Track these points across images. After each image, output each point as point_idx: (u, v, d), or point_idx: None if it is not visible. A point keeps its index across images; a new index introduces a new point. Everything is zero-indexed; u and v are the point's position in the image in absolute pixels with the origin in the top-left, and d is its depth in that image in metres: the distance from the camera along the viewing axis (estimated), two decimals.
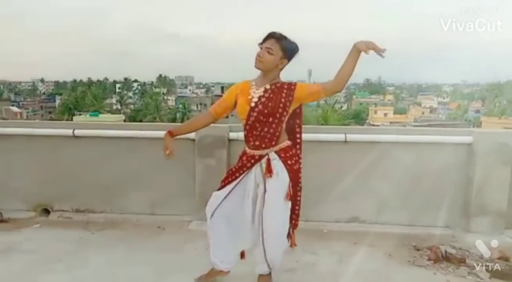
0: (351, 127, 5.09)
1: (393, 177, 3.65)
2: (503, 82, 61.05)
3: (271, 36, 2.22)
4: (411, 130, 4.20)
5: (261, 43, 2.24)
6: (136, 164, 3.89)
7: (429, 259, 3.07)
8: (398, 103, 69.86)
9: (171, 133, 2.48)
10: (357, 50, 2.13)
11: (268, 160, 2.28)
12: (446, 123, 41.90)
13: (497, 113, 47.51)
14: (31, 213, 3.96)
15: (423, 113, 58.55)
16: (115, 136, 3.88)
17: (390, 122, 45.28)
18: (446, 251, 3.15)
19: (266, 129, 2.25)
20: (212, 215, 2.47)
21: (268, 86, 2.27)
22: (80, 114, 44.89)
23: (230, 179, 2.40)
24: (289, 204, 2.34)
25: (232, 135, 3.67)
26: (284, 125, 2.31)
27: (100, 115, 43.70)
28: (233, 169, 2.41)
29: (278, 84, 2.27)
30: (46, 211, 4.00)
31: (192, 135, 3.69)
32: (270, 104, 2.23)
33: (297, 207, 2.43)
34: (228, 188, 2.41)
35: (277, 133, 2.27)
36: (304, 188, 2.47)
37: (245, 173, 2.34)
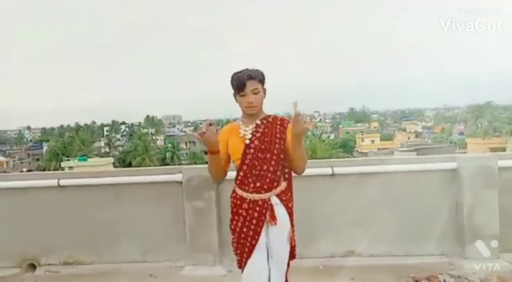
0: (337, 160, 5.13)
1: (384, 207, 3.64)
2: (481, 104, 62.94)
3: (246, 78, 2.05)
4: (396, 160, 4.26)
5: (239, 93, 2.07)
6: (124, 211, 3.82)
7: None
8: (384, 129, 71.08)
9: (216, 151, 2.09)
10: (298, 136, 1.97)
11: (271, 205, 2.08)
12: (433, 146, 42.50)
13: (480, 134, 48.60)
14: (16, 269, 3.81)
15: (409, 138, 59.55)
16: (101, 184, 3.82)
17: (378, 149, 45.83)
18: (445, 281, 3.11)
19: (265, 167, 2.06)
20: None
21: (258, 122, 2.13)
22: (68, 160, 44.31)
23: (249, 240, 2.06)
24: (289, 248, 2.16)
25: None
26: (282, 163, 2.13)
27: (89, 159, 43.21)
28: (243, 228, 2.08)
29: (270, 119, 2.14)
30: (33, 266, 3.84)
31: (179, 177, 3.68)
32: (266, 139, 2.08)
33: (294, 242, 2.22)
34: (262, 257, 2.06)
35: (278, 173, 2.10)
36: (296, 225, 2.35)
37: (260, 227, 2.05)
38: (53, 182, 3.80)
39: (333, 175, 3.64)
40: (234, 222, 2.14)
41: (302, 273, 2.93)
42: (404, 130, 69.38)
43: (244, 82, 2.05)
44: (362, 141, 54.45)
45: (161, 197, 3.80)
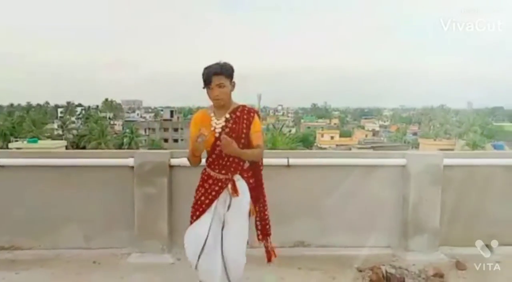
0: (293, 151, 5.19)
1: (334, 199, 3.71)
2: (435, 107, 66.48)
3: (212, 74, 2.31)
4: (350, 154, 4.36)
5: (206, 86, 2.34)
6: (69, 194, 3.63)
7: (370, 280, 3.14)
8: (344, 126, 73.19)
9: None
10: (230, 153, 2.31)
11: (233, 181, 2.40)
12: (388, 145, 44.29)
13: (432, 135, 51.31)
14: None
15: (366, 136, 61.67)
16: (46, 165, 3.61)
17: (337, 145, 47.11)
18: (386, 271, 3.23)
19: (231, 159, 2.37)
20: (198, 258, 2.41)
21: (228, 116, 2.39)
22: (17, 141, 41.84)
23: (203, 207, 2.43)
24: (248, 221, 2.47)
25: (174, 161, 3.56)
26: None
27: (40, 141, 41.08)
28: (201, 196, 2.44)
29: (238, 113, 2.40)
30: None
31: (130, 161, 3.55)
32: (233, 135, 2.34)
33: (267, 220, 2.62)
34: (207, 220, 2.41)
35: (242, 162, 2.42)
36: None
37: (217, 198, 2.41)
38: None
39: (288, 166, 3.66)
40: (198, 190, 2.49)
41: (250, 262, 2.92)
42: (363, 128, 71.79)
43: (211, 77, 2.31)
44: (322, 136, 55.77)
45: (110, 182, 3.65)
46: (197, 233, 2.42)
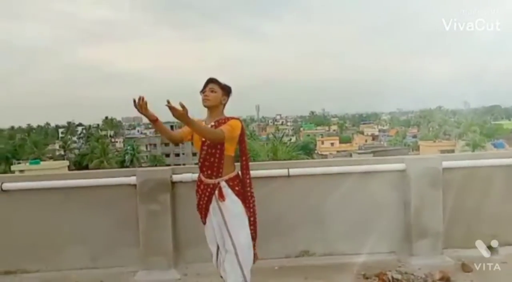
0: (292, 161, 5.21)
1: (336, 207, 3.73)
2: (433, 108, 66.55)
3: (210, 81, 2.71)
4: (349, 161, 4.39)
5: (202, 90, 2.69)
6: (73, 215, 3.66)
7: None
8: (343, 132, 73.19)
9: (155, 120, 2.60)
10: (180, 119, 2.38)
11: (220, 187, 2.67)
12: (388, 149, 44.25)
13: (432, 137, 51.28)
14: None
15: (366, 141, 61.68)
16: (49, 188, 3.65)
17: (337, 151, 47.10)
18: (392, 277, 3.24)
19: (212, 160, 2.66)
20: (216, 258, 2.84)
21: (213, 123, 2.68)
22: (19, 163, 41.84)
23: (203, 212, 2.77)
24: (246, 217, 2.71)
25: (176, 177, 3.59)
26: (229, 157, 2.68)
27: (42, 162, 41.11)
28: (197, 204, 2.80)
29: (221, 121, 2.68)
30: None
31: (132, 180, 3.58)
32: None
33: (255, 225, 2.81)
34: (210, 224, 2.77)
35: (222, 163, 2.66)
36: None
37: (210, 203, 2.70)
38: None
39: (288, 176, 3.70)
40: (196, 195, 2.81)
41: (257, 274, 2.94)
42: (362, 133, 71.79)
43: (207, 83, 2.70)
44: (322, 143, 55.80)
45: (114, 201, 3.68)
46: (208, 235, 2.82)
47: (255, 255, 2.78)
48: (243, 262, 2.66)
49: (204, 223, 2.80)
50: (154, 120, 2.57)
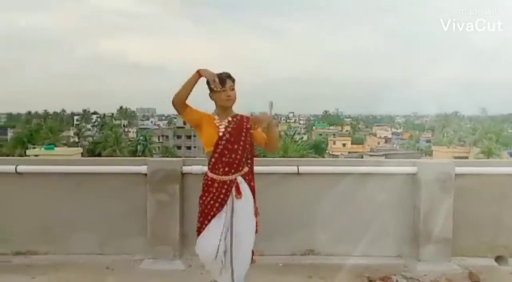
0: (303, 159, 5.20)
1: (345, 208, 3.71)
2: (448, 113, 65.45)
3: (228, 77, 2.57)
4: (360, 162, 4.35)
5: (222, 87, 2.54)
6: (84, 201, 3.71)
7: None
8: (355, 133, 72.54)
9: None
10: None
11: (237, 183, 2.54)
12: (401, 152, 43.71)
13: (446, 142, 50.42)
14: None
15: (378, 143, 61.05)
16: (62, 172, 3.71)
17: (349, 152, 46.75)
18: (397, 281, 3.21)
19: (233, 156, 2.53)
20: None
21: (230, 119, 2.59)
22: (34, 148, 42.58)
23: (214, 212, 2.52)
24: (255, 221, 2.59)
25: (186, 169, 3.62)
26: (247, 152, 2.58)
27: (56, 148, 41.73)
28: (210, 201, 2.53)
29: (238, 117, 2.62)
30: None
31: (143, 169, 3.62)
32: (235, 133, 2.56)
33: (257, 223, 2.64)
34: (217, 230, 2.50)
35: (243, 159, 2.57)
36: (259, 221, 2.59)
37: (226, 202, 2.52)
38: (11, 168, 3.65)
39: (298, 173, 3.69)
40: (204, 197, 2.58)
41: (261, 270, 2.95)
42: (375, 135, 71.03)
43: (226, 78, 2.55)
44: (334, 143, 55.42)
45: (124, 189, 3.72)
46: (210, 243, 2.50)
47: (252, 256, 2.64)
48: (236, 278, 2.52)
49: (203, 229, 2.56)
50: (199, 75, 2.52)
